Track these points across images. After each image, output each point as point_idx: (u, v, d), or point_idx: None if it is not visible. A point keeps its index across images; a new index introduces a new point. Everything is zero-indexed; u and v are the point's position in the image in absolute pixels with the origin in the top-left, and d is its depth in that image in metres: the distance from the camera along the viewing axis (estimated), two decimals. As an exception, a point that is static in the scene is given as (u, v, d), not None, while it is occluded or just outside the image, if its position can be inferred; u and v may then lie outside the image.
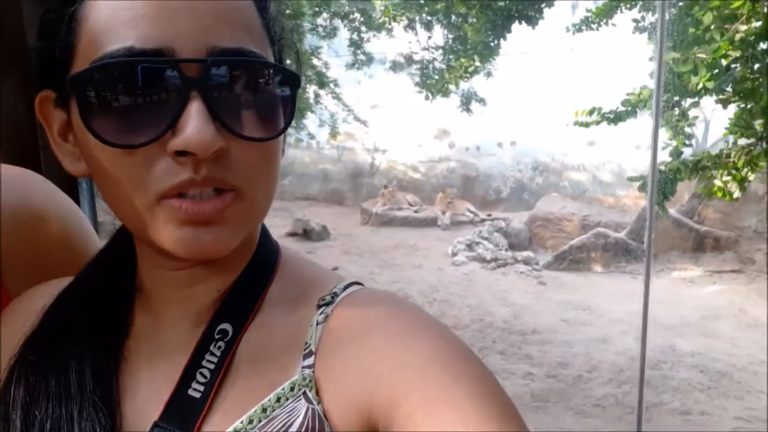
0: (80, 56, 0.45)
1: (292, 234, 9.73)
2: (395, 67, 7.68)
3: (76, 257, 0.61)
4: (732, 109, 3.48)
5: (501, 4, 4.57)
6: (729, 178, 3.32)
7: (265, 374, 0.49)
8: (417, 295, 7.05)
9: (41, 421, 0.47)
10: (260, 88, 0.46)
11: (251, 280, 0.53)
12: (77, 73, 0.44)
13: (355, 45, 7.62)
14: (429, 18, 6.49)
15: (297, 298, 0.53)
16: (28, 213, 0.57)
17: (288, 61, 0.55)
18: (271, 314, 0.52)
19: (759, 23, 2.88)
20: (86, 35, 0.44)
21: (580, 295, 7.13)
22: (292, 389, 0.47)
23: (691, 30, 2.97)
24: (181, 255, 0.45)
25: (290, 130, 0.50)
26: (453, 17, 6.10)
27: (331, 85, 8.46)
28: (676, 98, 3.29)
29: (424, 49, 7.00)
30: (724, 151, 3.43)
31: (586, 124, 3.83)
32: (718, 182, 3.40)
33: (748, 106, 3.32)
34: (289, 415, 0.46)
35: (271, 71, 0.47)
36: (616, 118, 3.77)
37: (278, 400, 0.47)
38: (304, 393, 0.47)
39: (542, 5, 4.65)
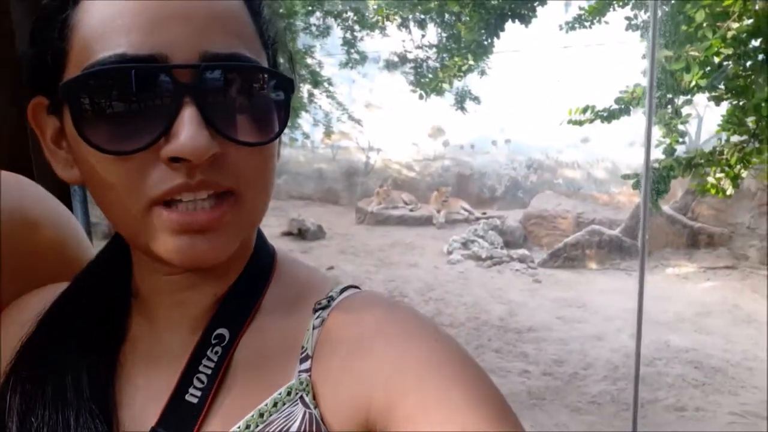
0: (72, 63, 0.45)
1: (288, 233, 9.71)
2: (389, 65, 7.67)
3: (69, 263, 0.61)
4: (725, 106, 3.50)
5: (494, 2, 4.57)
6: (722, 175, 3.34)
7: (262, 379, 0.49)
8: (413, 294, 7.06)
9: (37, 428, 0.47)
10: (254, 93, 0.46)
11: (248, 284, 0.53)
12: (69, 80, 0.44)
13: (349, 44, 7.61)
14: (422, 16, 6.49)
15: (293, 301, 0.53)
16: (21, 219, 0.57)
17: (281, 60, 0.55)
18: (268, 318, 0.52)
19: (750, 21, 2.89)
20: (78, 42, 0.44)
21: (575, 293, 7.15)
22: (288, 393, 0.47)
23: (684, 28, 2.98)
24: (176, 263, 0.45)
25: (285, 131, 0.50)
26: (446, 16, 6.10)
27: (325, 84, 8.46)
28: (669, 96, 3.31)
29: (418, 47, 7.00)
30: (717, 149, 3.44)
31: (580, 123, 3.84)
32: (711, 179, 3.41)
33: (741, 103, 3.34)
34: (286, 420, 0.46)
35: (265, 76, 0.47)
36: (609, 116, 3.78)
37: (275, 404, 0.47)
38: (301, 397, 0.47)
39: (535, 4, 4.66)
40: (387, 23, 6.68)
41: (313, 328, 0.50)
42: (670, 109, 3.46)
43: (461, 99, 7.17)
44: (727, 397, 4.60)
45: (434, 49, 6.71)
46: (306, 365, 0.48)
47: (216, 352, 0.49)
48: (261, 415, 0.46)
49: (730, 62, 3.13)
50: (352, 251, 9.10)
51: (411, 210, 11.17)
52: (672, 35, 3.10)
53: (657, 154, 3.51)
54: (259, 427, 0.46)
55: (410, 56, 7.15)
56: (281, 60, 0.54)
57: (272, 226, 9.63)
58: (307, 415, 0.46)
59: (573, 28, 5.07)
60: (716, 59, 3.01)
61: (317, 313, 0.51)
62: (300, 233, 9.68)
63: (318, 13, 7.44)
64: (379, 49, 8.36)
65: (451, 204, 10.94)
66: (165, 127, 0.42)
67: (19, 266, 0.57)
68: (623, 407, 4.37)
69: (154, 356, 0.52)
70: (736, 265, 7.90)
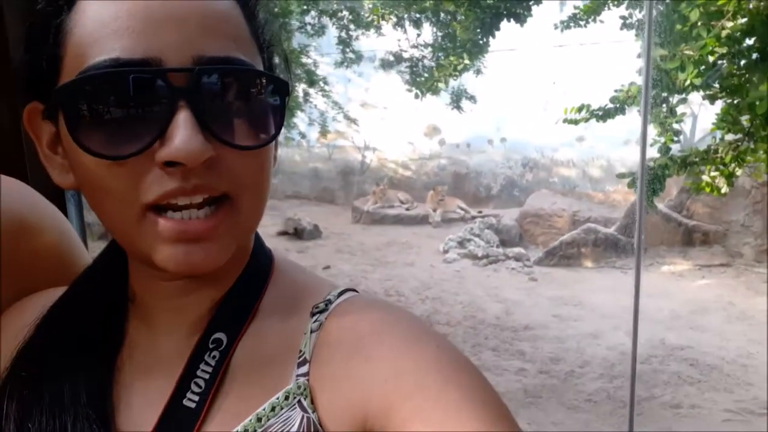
0: (67, 68, 0.44)
1: (283, 233, 9.69)
2: (384, 65, 7.67)
3: (65, 268, 0.61)
4: (719, 104, 3.51)
5: (489, 1, 4.57)
6: (717, 173, 3.35)
7: (260, 383, 0.49)
8: (409, 293, 7.06)
9: None
10: (249, 96, 0.46)
11: (245, 288, 0.53)
12: (63, 85, 0.44)
13: (344, 43, 7.60)
14: (418, 16, 6.49)
15: (291, 305, 0.53)
16: (18, 224, 0.56)
17: (276, 61, 0.55)
18: (266, 322, 0.52)
19: (745, 20, 2.90)
20: (73, 47, 0.44)
21: (571, 291, 7.17)
22: (286, 398, 0.47)
23: (678, 27, 2.99)
24: (171, 271, 0.45)
25: (280, 132, 0.50)
26: (442, 15, 6.10)
27: (321, 84, 8.45)
28: (664, 95, 3.32)
29: (414, 46, 6.99)
30: (712, 147, 3.46)
31: (575, 122, 3.84)
32: (706, 178, 3.42)
33: (735, 102, 3.35)
34: (284, 424, 0.46)
35: (260, 79, 0.47)
36: (604, 115, 3.79)
37: (273, 409, 0.47)
38: (299, 401, 0.47)
39: (530, 3, 4.66)
40: (382, 22, 6.68)
41: (311, 332, 0.50)
42: (665, 107, 3.47)
43: (457, 98, 7.16)
44: (722, 394, 4.62)
45: (430, 49, 6.71)
46: (304, 369, 0.48)
47: (213, 357, 0.49)
48: (259, 419, 0.46)
49: (725, 61, 3.14)
50: (348, 250, 9.09)
51: (407, 209, 11.17)
52: (667, 34, 3.11)
53: (652, 152, 3.52)
54: None
55: (406, 55, 7.13)
56: (277, 61, 0.54)
57: (268, 226, 9.62)
58: (305, 420, 0.46)
59: (568, 27, 5.09)
60: (711, 58, 3.02)
61: (315, 317, 0.51)
62: (296, 233, 9.67)
63: (313, 12, 7.42)
64: (374, 48, 8.36)
65: (447, 203, 10.95)
66: (160, 131, 0.42)
67: (15, 271, 0.57)
68: (619, 405, 4.39)
69: (151, 361, 0.52)
70: (730, 262, 7.94)
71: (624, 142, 12.50)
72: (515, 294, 7.11)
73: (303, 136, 10.19)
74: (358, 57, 7.90)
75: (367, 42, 8.02)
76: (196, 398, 0.47)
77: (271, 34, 0.52)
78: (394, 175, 13.47)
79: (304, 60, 7.79)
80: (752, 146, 3.33)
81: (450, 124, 12.78)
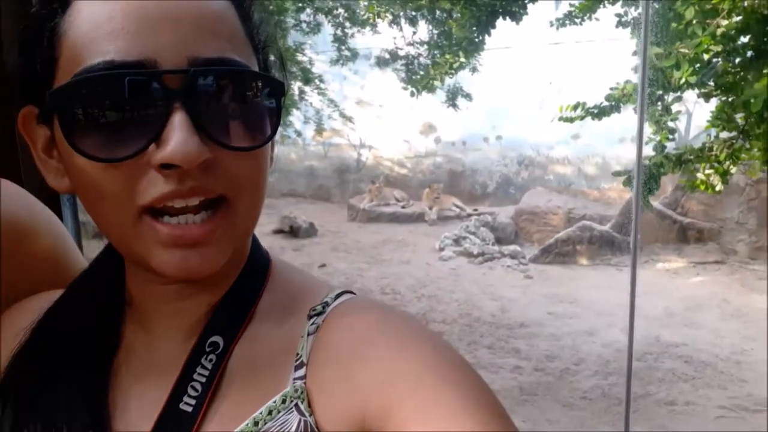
0: (62, 71, 0.44)
1: (279, 231, 9.68)
2: (380, 62, 7.66)
3: (61, 272, 0.60)
4: (714, 102, 3.52)
5: (485, -1, 4.58)
6: (711, 171, 3.37)
7: (257, 386, 0.48)
8: (405, 291, 7.07)
9: None
10: (245, 97, 0.46)
11: (242, 291, 0.53)
12: (58, 88, 0.43)
13: (340, 41, 7.58)
14: (413, 13, 6.48)
15: (288, 308, 0.53)
16: (13, 227, 0.56)
17: (272, 58, 0.54)
18: (262, 326, 0.52)
19: (739, 18, 2.92)
20: (67, 50, 0.44)
21: (566, 288, 7.19)
22: (283, 401, 0.47)
23: (674, 25, 3.00)
24: (168, 275, 0.45)
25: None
26: (437, 13, 6.10)
27: (316, 81, 8.43)
28: (659, 93, 3.33)
29: (409, 44, 6.98)
30: (707, 145, 3.47)
31: (571, 119, 3.84)
32: (700, 175, 3.44)
33: (730, 99, 3.36)
34: (281, 428, 0.46)
35: (256, 80, 0.47)
36: (600, 113, 3.80)
37: (270, 412, 0.46)
38: (296, 405, 0.47)
39: (526, 1, 4.66)
40: (378, 20, 6.67)
41: (308, 335, 0.50)
42: (660, 106, 3.48)
43: (453, 96, 7.16)
44: (717, 390, 4.65)
45: (425, 46, 6.70)
46: (301, 372, 0.48)
47: (210, 360, 0.49)
48: (256, 423, 0.46)
49: (720, 59, 3.15)
50: (344, 248, 9.09)
51: (403, 207, 11.18)
52: (662, 33, 3.12)
53: (647, 150, 3.53)
54: None
55: (401, 53, 7.13)
56: (272, 57, 0.54)
57: (264, 224, 9.61)
58: (302, 423, 0.46)
59: (563, 24, 5.08)
60: (706, 56, 3.03)
61: (312, 320, 0.51)
62: (292, 231, 9.66)
63: (308, 10, 7.39)
64: (370, 45, 8.35)
65: (442, 201, 10.96)
66: (155, 133, 0.42)
67: (11, 275, 0.57)
68: (614, 402, 4.41)
69: (148, 365, 0.52)
70: (725, 259, 7.99)
71: (619, 140, 12.52)
72: (511, 291, 7.13)
73: (299, 134, 10.17)
74: (354, 55, 7.89)
75: (362, 40, 8.00)
76: (193, 402, 0.47)
77: (266, 35, 0.52)
78: (390, 173, 13.47)
79: (300, 58, 7.77)
80: (747, 145, 3.34)
81: (446, 121, 12.78)
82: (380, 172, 13.29)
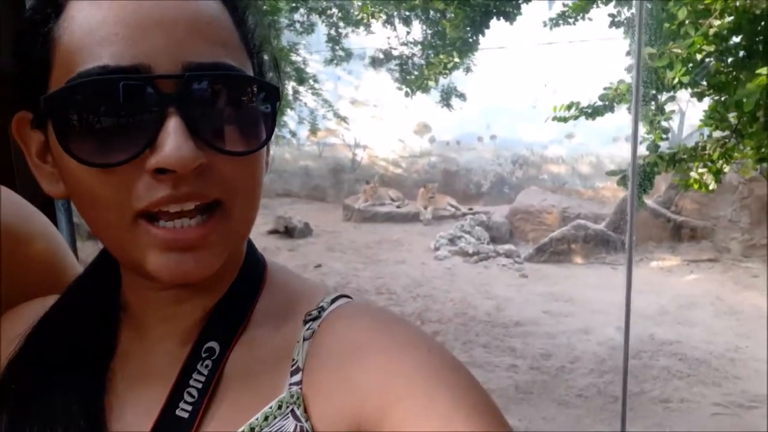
0: (56, 76, 0.44)
1: (274, 231, 9.67)
2: (374, 62, 7.66)
3: (55, 277, 0.60)
4: (707, 101, 3.54)
5: (479, 0, 4.58)
6: (704, 170, 3.39)
7: (253, 392, 0.48)
8: (400, 290, 7.07)
9: None
10: (239, 102, 0.46)
11: (238, 296, 0.53)
12: (52, 93, 0.43)
13: (334, 41, 7.58)
14: (407, 13, 6.49)
15: (284, 313, 0.53)
16: (7, 233, 0.56)
17: (266, 58, 0.54)
18: (258, 331, 0.52)
19: (731, 18, 2.93)
20: (61, 55, 0.44)
21: (561, 287, 7.21)
22: (279, 407, 0.47)
23: (666, 25, 3.01)
24: (163, 280, 0.45)
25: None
26: (431, 13, 6.10)
27: (311, 81, 8.42)
28: (653, 92, 3.34)
29: (403, 44, 6.99)
30: (700, 144, 3.49)
31: (565, 119, 3.86)
32: (694, 174, 3.46)
33: (722, 99, 3.38)
34: None
35: (250, 84, 0.47)
36: (594, 112, 3.81)
37: (266, 418, 0.46)
38: (292, 410, 0.46)
39: (519, 1, 4.68)
40: (372, 20, 6.67)
41: (304, 340, 0.50)
42: (653, 105, 3.50)
43: (447, 96, 7.18)
44: (711, 388, 4.67)
45: (419, 46, 6.71)
46: (297, 378, 0.48)
47: (206, 366, 0.49)
48: (252, 429, 0.46)
49: (712, 59, 3.17)
50: (339, 248, 9.09)
51: (398, 207, 11.18)
52: (655, 33, 3.13)
53: (641, 150, 3.55)
54: None
55: (395, 53, 7.13)
56: (266, 58, 0.54)
57: (259, 225, 9.55)
58: (298, 429, 0.46)
59: (557, 24, 5.11)
60: (698, 56, 3.05)
61: (308, 325, 0.51)
62: (287, 231, 9.65)
63: (302, 10, 7.39)
64: (364, 45, 8.35)
65: (437, 200, 10.97)
66: (150, 138, 0.41)
67: (5, 280, 0.57)
68: (610, 400, 4.43)
69: (144, 370, 0.51)
70: (718, 257, 8.03)
71: (613, 139, 12.58)
72: (506, 291, 7.14)
73: (293, 134, 10.17)
74: (348, 55, 7.89)
75: (356, 39, 8.01)
76: (189, 408, 0.47)
77: (260, 39, 0.52)
78: (385, 173, 13.47)
79: (294, 58, 7.76)
80: (740, 144, 3.36)
81: (440, 121, 12.80)
82: (375, 171, 13.29)
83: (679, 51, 2.92)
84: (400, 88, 6.68)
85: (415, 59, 6.86)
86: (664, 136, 3.56)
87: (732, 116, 3.34)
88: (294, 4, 7.14)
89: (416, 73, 6.49)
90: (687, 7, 2.89)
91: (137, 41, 0.42)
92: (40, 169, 0.49)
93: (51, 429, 0.47)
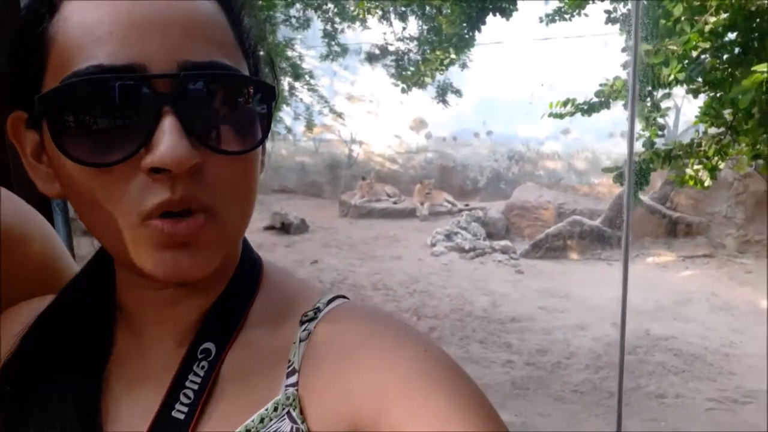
0: (51, 75, 0.44)
1: (270, 228, 9.66)
2: (370, 58, 7.64)
3: (52, 277, 0.60)
4: (702, 98, 3.55)
5: (475, -5, 4.58)
6: (700, 166, 3.40)
7: (250, 394, 0.48)
8: (397, 287, 7.08)
9: None
10: (235, 101, 0.46)
11: (234, 297, 0.53)
12: (47, 92, 0.43)
13: (329, 36, 7.56)
14: (403, 9, 6.47)
15: (280, 314, 0.53)
16: (2, 233, 0.56)
17: (261, 52, 0.54)
18: (255, 332, 0.52)
19: (727, 14, 2.94)
20: (56, 54, 0.43)
21: (557, 283, 7.23)
22: (275, 409, 0.47)
23: (662, 22, 3.01)
24: (159, 278, 0.45)
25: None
26: (427, 8, 6.09)
27: (306, 77, 8.40)
28: (648, 89, 3.35)
29: (399, 40, 6.98)
30: (695, 141, 3.50)
31: (561, 116, 3.87)
32: (689, 171, 3.47)
33: (718, 95, 3.39)
34: None
35: (246, 84, 0.47)
36: (590, 109, 3.82)
37: (262, 420, 0.46)
38: (288, 412, 0.46)
39: (515, -3, 4.68)
40: (368, 16, 6.65)
41: (300, 341, 0.50)
42: (649, 102, 3.51)
43: (442, 92, 7.17)
44: (706, 383, 4.70)
45: (415, 42, 6.70)
46: (293, 379, 0.48)
47: (202, 368, 0.49)
48: (248, 431, 0.46)
49: (707, 56, 3.17)
50: (335, 245, 9.09)
51: (394, 202, 11.19)
52: (651, 30, 3.14)
53: (636, 147, 3.56)
54: None
55: (391, 49, 7.12)
56: (262, 57, 0.54)
57: (255, 221, 9.53)
58: (294, 431, 0.46)
59: (553, 20, 5.11)
60: (694, 53, 3.06)
61: (304, 326, 0.51)
62: (283, 227, 9.64)
63: (298, 5, 7.36)
64: (360, 41, 8.33)
65: (434, 196, 10.98)
66: (145, 137, 0.41)
67: (1, 281, 0.56)
68: (606, 395, 4.45)
69: (140, 371, 0.51)
70: (713, 253, 8.06)
71: (609, 135, 12.60)
72: (502, 286, 7.16)
73: (289, 130, 10.14)
74: (344, 50, 7.86)
75: (352, 35, 7.99)
76: (185, 410, 0.47)
77: (256, 39, 0.52)
78: (381, 169, 13.47)
79: (289, 53, 7.73)
80: (736, 142, 3.37)
81: (436, 117, 12.80)
82: (371, 167, 13.29)
83: (675, 48, 2.92)
84: (396, 84, 6.67)
85: (411, 55, 6.85)
86: (659, 132, 3.57)
87: (727, 113, 3.35)
88: (289, 0, 7.12)
89: (412, 68, 6.48)
90: (682, 3, 2.90)
91: (132, 40, 0.42)
92: (36, 169, 0.49)
93: (47, 429, 0.47)
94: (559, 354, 5.24)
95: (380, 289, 7.01)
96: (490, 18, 4.83)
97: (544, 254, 8.37)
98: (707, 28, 2.90)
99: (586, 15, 4.92)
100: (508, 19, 4.75)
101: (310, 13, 7.50)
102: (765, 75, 2.66)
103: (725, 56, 3.24)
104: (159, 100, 0.41)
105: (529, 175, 12.96)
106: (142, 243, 0.44)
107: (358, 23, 7.23)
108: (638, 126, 3.57)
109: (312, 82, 8.66)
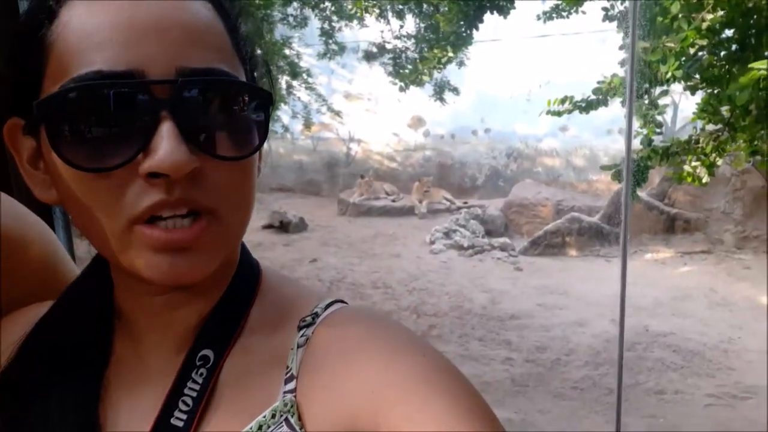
0: (49, 82, 0.44)
1: (269, 226, 9.66)
2: (368, 56, 7.64)
3: (52, 282, 0.60)
4: (700, 94, 3.55)
5: (472, -7, 4.58)
6: (698, 163, 3.40)
7: (248, 400, 0.48)
8: (396, 285, 7.09)
9: None
10: (232, 108, 0.46)
11: (232, 303, 0.53)
12: (45, 98, 0.43)
13: (327, 34, 7.55)
14: (400, 7, 6.47)
15: (278, 320, 0.53)
16: (2, 238, 0.56)
17: (255, 54, 0.54)
18: (253, 338, 0.52)
19: (724, 11, 2.94)
20: (55, 60, 0.44)
21: (556, 280, 7.24)
22: (273, 416, 0.47)
23: (660, 19, 3.01)
24: (156, 282, 0.45)
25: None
26: (425, 6, 6.09)
27: (304, 75, 8.39)
28: (646, 86, 3.35)
29: (396, 38, 6.97)
30: (693, 137, 3.50)
31: (559, 113, 3.87)
32: (687, 168, 3.47)
33: (715, 92, 3.39)
34: None
35: (243, 90, 0.47)
36: (587, 106, 3.82)
37: (260, 427, 0.46)
38: (286, 419, 0.46)
39: (513, -6, 4.68)
40: (365, 14, 6.65)
41: (298, 347, 0.50)
42: (646, 99, 3.51)
43: (440, 90, 7.17)
44: (705, 379, 4.71)
45: (413, 40, 6.70)
46: (291, 386, 0.48)
47: (201, 374, 0.49)
48: None
49: (705, 52, 3.18)
50: (334, 243, 9.09)
51: (393, 201, 11.18)
52: (648, 27, 3.14)
53: (634, 144, 3.56)
54: None
55: (389, 47, 7.12)
56: (259, 64, 0.54)
57: (253, 219, 9.36)
58: None
59: (551, 18, 5.11)
60: (691, 50, 3.06)
61: (302, 331, 0.51)
62: (282, 226, 9.64)
63: (295, 4, 7.36)
64: (357, 39, 8.32)
65: (432, 194, 10.97)
66: (143, 142, 0.42)
67: (2, 286, 0.56)
68: (605, 392, 4.46)
69: (138, 378, 0.51)
70: (711, 249, 8.08)
71: (607, 132, 12.60)
72: (501, 284, 7.17)
73: (286, 129, 10.14)
74: (341, 48, 7.86)
75: (350, 33, 7.98)
76: (184, 417, 0.47)
77: (253, 48, 0.52)
78: (380, 167, 13.46)
79: (287, 52, 7.73)
80: (732, 135, 3.37)
81: (434, 115, 12.79)
82: (370, 165, 13.28)
83: (672, 45, 2.92)
84: (393, 83, 6.66)
85: (409, 53, 6.85)
86: (657, 130, 3.57)
87: (725, 110, 3.35)
88: (287, -2, 7.11)
89: (410, 66, 6.48)
90: (680, 1, 2.90)
91: (131, 47, 0.42)
92: (32, 176, 0.49)
93: None
94: (559, 351, 5.25)
95: (379, 288, 7.02)
96: (487, 16, 4.83)
97: (542, 251, 8.38)
98: (704, 25, 2.90)
99: (583, 12, 4.92)
100: (505, 17, 4.75)
101: (308, 11, 7.50)
102: (762, 72, 2.66)
103: (723, 53, 3.24)
104: (157, 106, 0.42)
105: (528, 172, 12.96)
106: (139, 246, 0.44)
107: (355, 21, 7.22)
108: (636, 123, 3.57)
109: (310, 80, 8.66)
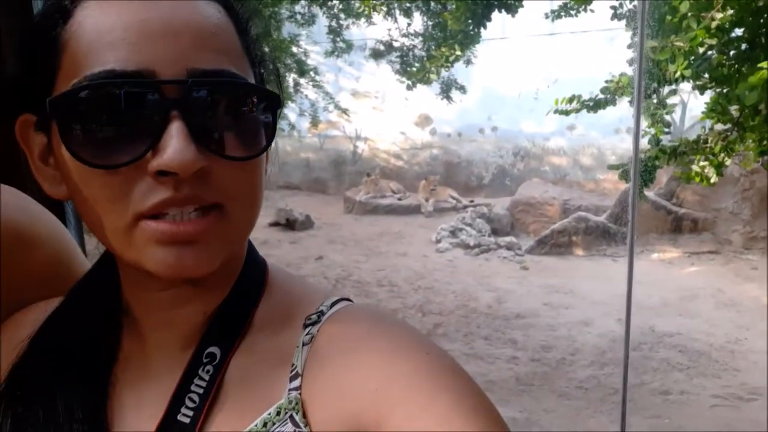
0: (61, 80, 0.45)
1: (275, 224, 9.68)
2: (375, 54, 7.63)
3: (64, 279, 0.60)
4: (709, 94, 3.53)
5: (480, -9, 4.57)
6: (706, 163, 3.38)
7: (254, 398, 0.49)
8: (402, 283, 7.09)
9: None
10: (241, 109, 0.47)
11: (238, 300, 0.53)
12: (57, 95, 0.44)
13: (334, 32, 7.55)
14: (408, 5, 6.46)
15: (284, 317, 0.53)
16: (15, 235, 0.56)
17: (268, 65, 0.55)
18: (259, 336, 0.52)
19: (733, 11, 2.92)
20: (68, 59, 0.44)
21: (562, 279, 7.22)
22: (278, 413, 0.47)
23: (668, 18, 3.00)
24: (163, 275, 0.45)
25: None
26: (432, 4, 6.08)
27: (311, 73, 8.40)
28: (654, 85, 3.33)
29: (404, 35, 6.96)
30: (701, 137, 3.48)
31: (566, 112, 3.86)
32: (695, 167, 3.45)
33: (724, 91, 3.37)
34: None
35: (251, 92, 0.48)
36: (595, 105, 3.81)
37: (265, 424, 0.47)
38: (291, 416, 0.47)
39: (521, -7, 4.66)
40: (373, 12, 6.64)
41: (303, 345, 0.50)
42: (655, 99, 3.49)
43: (447, 88, 7.15)
44: (711, 380, 4.69)
45: (420, 38, 6.69)
46: (296, 383, 0.48)
47: (207, 371, 0.49)
48: None
49: (714, 52, 3.15)
50: (340, 241, 9.10)
51: (399, 199, 11.17)
52: (657, 26, 3.12)
53: (642, 143, 3.55)
54: None
55: (396, 44, 7.11)
56: (268, 66, 0.55)
57: (260, 216, 9.49)
58: None
59: (559, 16, 5.09)
60: (700, 49, 3.04)
61: (307, 329, 0.51)
62: (288, 223, 9.65)
63: (303, 2, 7.37)
64: (365, 37, 8.31)
65: (439, 192, 10.96)
66: (152, 141, 0.42)
67: (13, 283, 0.57)
68: (610, 392, 4.45)
69: (145, 375, 0.52)
70: (719, 249, 8.03)
71: (615, 131, 12.55)
72: (507, 283, 7.16)
73: (293, 126, 10.14)
74: (349, 46, 7.86)
75: (357, 31, 7.97)
76: (191, 413, 0.48)
77: (262, 50, 0.52)
78: (386, 165, 13.45)
79: (294, 50, 7.74)
80: (741, 135, 3.35)
81: (441, 113, 12.76)
82: (376, 164, 13.27)
83: (681, 44, 2.90)
84: (401, 81, 6.66)
85: (416, 51, 6.84)
86: (665, 129, 3.55)
87: (734, 109, 3.33)
88: (294, -4, 7.11)
89: (417, 65, 6.47)
90: (689, 0, 2.88)
91: (143, 47, 0.43)
92: (42, 172, 0.50)
93: None
94: (564, 350, 5.24)
95: (385, 286, 7.02)
96: (495, 14, 4.82)
97: (549, 250, 8.35)
98: (714, 24, 2.88)
99: (591, 11, 4.89)
100: (513, 15, 4.74)
101: (315, 9, 7.51)
102: (772, 71, 2.64)
103: (732, 52, 3.21)
104: (167, 106, 0.42)
105: (535, 171, 12.91)
106: (146, 240, 0.45)
107: (363, 19, 7.21)
108: (644, 123, 3.55)
109: (317, 78, 8.66)
